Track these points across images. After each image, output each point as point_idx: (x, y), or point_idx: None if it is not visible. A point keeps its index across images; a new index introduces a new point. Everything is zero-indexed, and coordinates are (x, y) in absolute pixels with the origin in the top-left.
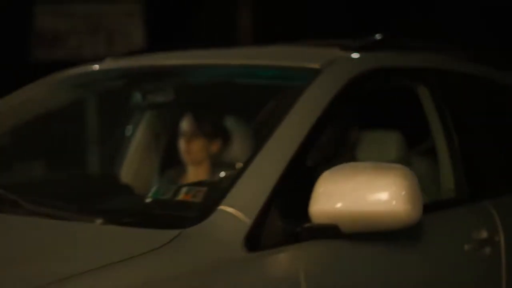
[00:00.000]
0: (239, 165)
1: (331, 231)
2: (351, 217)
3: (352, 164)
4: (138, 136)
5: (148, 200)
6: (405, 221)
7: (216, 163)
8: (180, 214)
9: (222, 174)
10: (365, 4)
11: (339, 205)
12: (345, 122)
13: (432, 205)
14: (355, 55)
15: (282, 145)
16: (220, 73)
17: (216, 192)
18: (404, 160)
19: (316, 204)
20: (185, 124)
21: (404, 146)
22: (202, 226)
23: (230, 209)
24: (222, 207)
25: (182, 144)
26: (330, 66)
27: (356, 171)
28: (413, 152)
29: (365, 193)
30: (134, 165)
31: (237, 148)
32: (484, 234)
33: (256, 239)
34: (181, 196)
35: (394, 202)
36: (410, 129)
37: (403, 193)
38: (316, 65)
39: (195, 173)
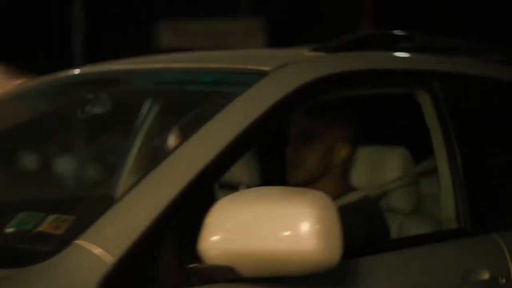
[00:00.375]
0: (242, 187)
1: (226, 274)
2: (251, 258)
3: (257, 189)
4: (135, 147)
5: (8, 230)
6: (318, 263)
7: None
8: (31, 249)
9: None
10: None
11: (235, 242)
12: (331, 136)
13: (427, 236)
14: (317, 57)
15: (182, 164)
16: (162, 78)
17: (83, 223)
18: (409, 181)
19: (207, 240)
20: (171, 142)
21: (409, 164)
22: (48, 264)
23: (87, 244)
24: (78, 241)
25: None
26: (279, 70)
27: (259, 198)
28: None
29: (267, 226)
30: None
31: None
32: (489, 273)
33: (123, 283)
34: (43, 227)
35: (303, 239)
36: (411, 144)
37: (317, 227)
38: (266, 68)
39: None
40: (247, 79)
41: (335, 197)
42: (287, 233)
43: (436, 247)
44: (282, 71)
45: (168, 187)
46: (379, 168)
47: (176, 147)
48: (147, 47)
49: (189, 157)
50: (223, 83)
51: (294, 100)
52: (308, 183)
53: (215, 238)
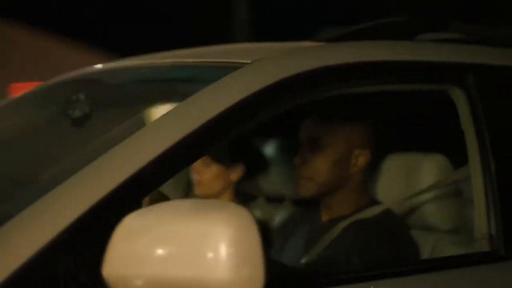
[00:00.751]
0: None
1: None
2: (151, 286)
3: (166, 204)
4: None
5: None
6: None
7: (242, 194)
8: None
9: None
10: None
11: (136, 267)
12: (345, 141)
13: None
14: (308, 48)
15: (106, 169)
16: (137, 76)
17: None
18: (446, 194)
19: (109, 264)
20: None
21: (448, 175)
22: None
23: None
24: None
25: (193, 174)
26: (255, 63)
27: (165, 215)
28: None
29: (171, 249)
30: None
31: (270, 174)
32: None
33: None
34: None
35: (214, 266)
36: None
37: (232, 251)
38: (246, 61)
39: None
40: (225, 73)
41: (353, 212)
42: (194, 257)
43: (466, 271)
44: (257, 65)
45: (90, 192)
46: (409, 179)
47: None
48: None
49: (125, 156)
50: (198, 79)
51: (265, 97)
52: (320, 196)
53: (116, 262)
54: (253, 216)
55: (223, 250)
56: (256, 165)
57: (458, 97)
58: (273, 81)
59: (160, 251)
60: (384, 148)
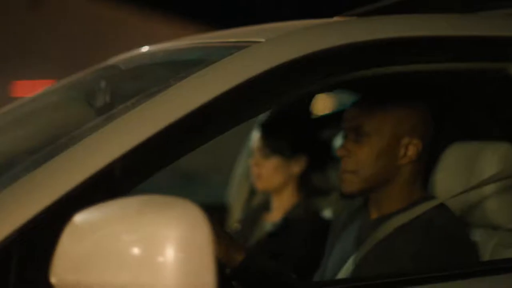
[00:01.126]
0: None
1: None
2: None
3: (116, 202)
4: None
5: None
6: None
7: (308, 189)
8: None
9: None
10: None
11: (80, 272)
12: (391, 129)
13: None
14: (333, 23)
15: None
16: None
17: None
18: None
19: (55, 269)
20: (252, 140)
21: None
22: None
23: None
24: None
25: (252, 167)
26: (267, 42)
27: (113, 215)
28: None
29: (117, 253)
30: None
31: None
32: None
33: None
34: None
35: (161, 272)
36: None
37: (181, 256)
38: (260, 40)
39: (277, 202)
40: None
41: (404, 209)
42: (140, 263)
43: None
44: (267, 44)
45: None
46: (469, 171)
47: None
48: None
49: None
50: (206, 60)
51: (274, 78)
52: (366, 192)
53: (61, 265)
54: (205, 214)
55: (171, 254)
56: (323, 157)
57: None
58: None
59: (104, 255)
60: (438, 136)
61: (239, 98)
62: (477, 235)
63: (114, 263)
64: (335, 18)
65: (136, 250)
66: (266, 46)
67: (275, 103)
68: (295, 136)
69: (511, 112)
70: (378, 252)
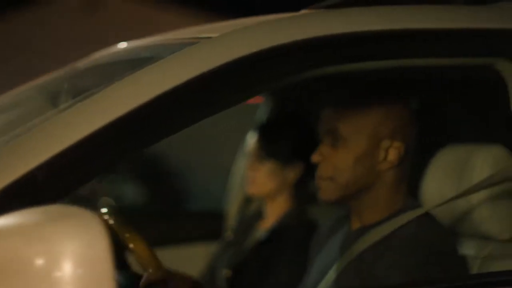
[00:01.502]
0: None
1: None
2: None
3: (17, 214)
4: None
5: None
6: None
7: (303, 197)
8: None
9: None
10: None
11: None
12: (370, 131)
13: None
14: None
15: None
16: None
17: None
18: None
19: None
20: (247, 143)
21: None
22: None
23: None
24: None
25: (247, 171)
26: (219, 37)
27: (16, 225)
28: None
29: (14, 270)
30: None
31: None
32: None
33: None
34: None
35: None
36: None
37: (79, 271)
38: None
39: (271, 209)
40: None
41: (386, 219)
42: (38, 277)
43: None
44: (220, 38)
45: None
46: (458, 176)
47: None
48: None
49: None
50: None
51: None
52: (344, 200)
53: None
54: (105, 226)
55: (69, 268)
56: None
57: (508, 71)
58: (232, 58)
59: (2, 268)
60: (424, 138)
61: (179, 99)
62: (466, 247)
63: (13, 277)
64: (302, 11)
65: (34, 264)
66: (205, 46)
67: (225, 103)
68: (293, 141)
69: (502, 111)
70: (358, 267)
